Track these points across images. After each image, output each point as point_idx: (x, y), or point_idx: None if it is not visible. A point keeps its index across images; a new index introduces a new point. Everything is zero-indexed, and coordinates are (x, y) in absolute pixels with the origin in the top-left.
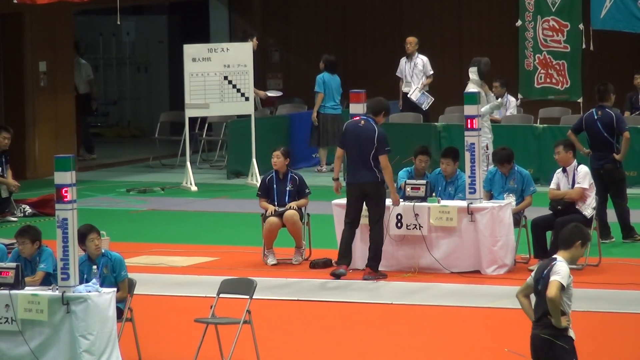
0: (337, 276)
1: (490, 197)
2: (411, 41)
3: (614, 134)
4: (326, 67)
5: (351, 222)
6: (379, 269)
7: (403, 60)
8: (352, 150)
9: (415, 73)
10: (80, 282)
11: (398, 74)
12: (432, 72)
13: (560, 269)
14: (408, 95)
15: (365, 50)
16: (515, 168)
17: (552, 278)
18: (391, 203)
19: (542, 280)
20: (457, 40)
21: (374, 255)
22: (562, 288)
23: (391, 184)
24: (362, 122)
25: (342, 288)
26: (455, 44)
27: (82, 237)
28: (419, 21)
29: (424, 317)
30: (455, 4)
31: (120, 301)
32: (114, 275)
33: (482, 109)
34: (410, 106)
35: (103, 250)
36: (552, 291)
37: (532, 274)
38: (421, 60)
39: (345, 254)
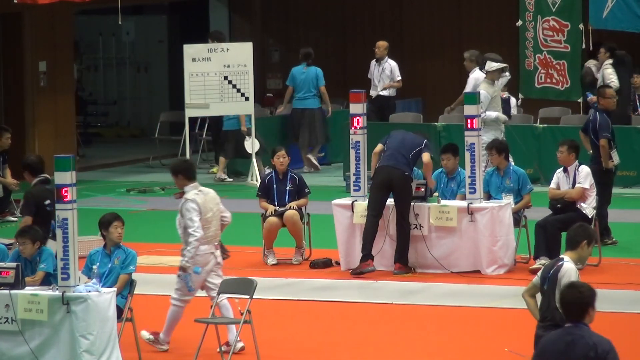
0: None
1: (489, 198)
2: (380, 45)
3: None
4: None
5: None
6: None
7: (373, 63)
8: None
9: (382, 78)
10: (87, 270)
11: (369, 76)
12: (399, 77)
13: (570, 273)
14: (373, 97)
15: (365, 51)
16: (511, 167)
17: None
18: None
19: (548, 279)
20: (457, 40)
21: (401, 252)
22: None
23: None
24: None
25: (342, 288)
26: (455, 44)
27: (107, 224)
28: (419, 21)
29: (424, 317)
30: (455, 4)
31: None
32: (121, 266)
33: (488, 113)
34: (378, 107)
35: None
36: None
37: (539, 273)
38: (389, 65)
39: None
